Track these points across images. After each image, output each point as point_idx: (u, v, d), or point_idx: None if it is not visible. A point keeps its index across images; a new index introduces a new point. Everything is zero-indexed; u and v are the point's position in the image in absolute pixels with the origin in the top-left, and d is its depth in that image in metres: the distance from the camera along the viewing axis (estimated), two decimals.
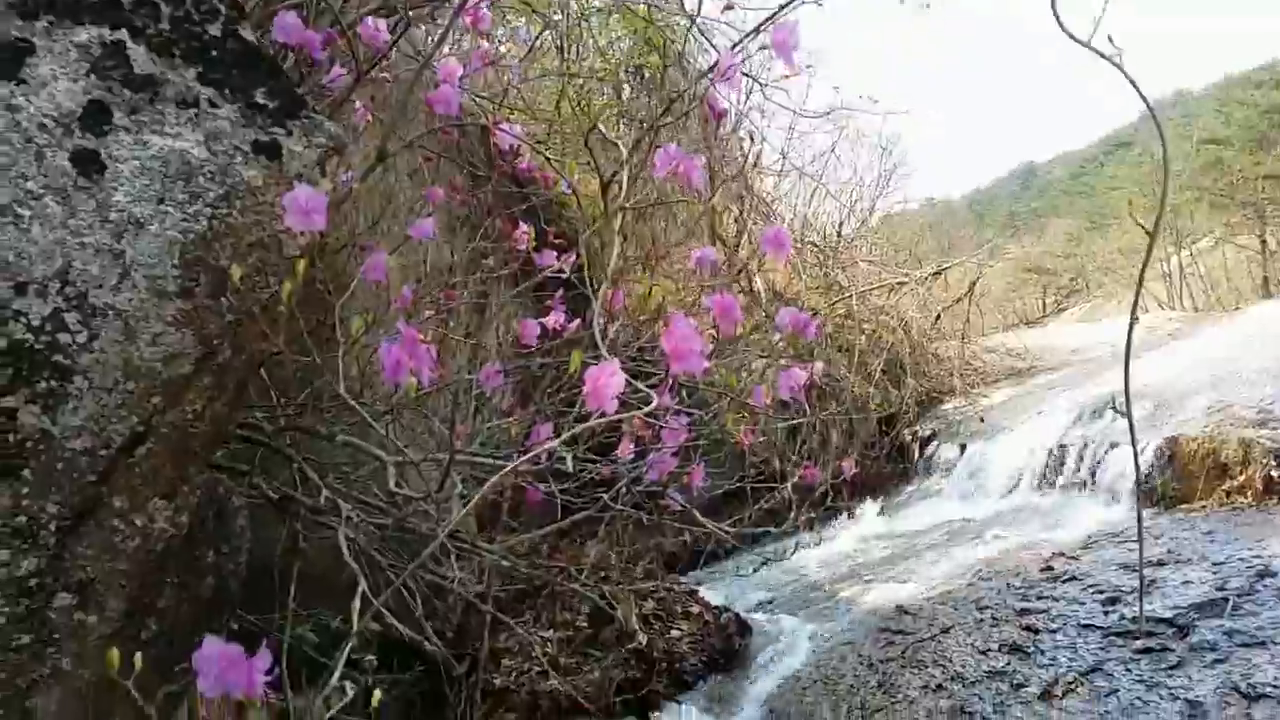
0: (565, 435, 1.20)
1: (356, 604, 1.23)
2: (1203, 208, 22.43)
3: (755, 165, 9.21)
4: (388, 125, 1.72)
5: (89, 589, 1.41)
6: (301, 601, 2.92)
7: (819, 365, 1.52)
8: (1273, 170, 21.83)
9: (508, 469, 1.20)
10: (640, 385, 1.24)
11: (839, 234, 11.00)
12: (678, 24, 8.13)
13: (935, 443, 9.45)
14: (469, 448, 1.64)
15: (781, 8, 3.38)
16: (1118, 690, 3.75)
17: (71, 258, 1.35)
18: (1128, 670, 3.87)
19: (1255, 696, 3.46)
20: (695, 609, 6.02)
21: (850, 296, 9.75)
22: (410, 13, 2.09)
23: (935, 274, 11.32)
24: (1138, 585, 4.51)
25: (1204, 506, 6.13)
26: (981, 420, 9.44)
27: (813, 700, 4.62)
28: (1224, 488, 6.20)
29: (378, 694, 1.23)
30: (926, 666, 4.50)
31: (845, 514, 8.81)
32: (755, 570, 7.87)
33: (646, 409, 1.17)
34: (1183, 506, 6.29)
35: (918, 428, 9.89)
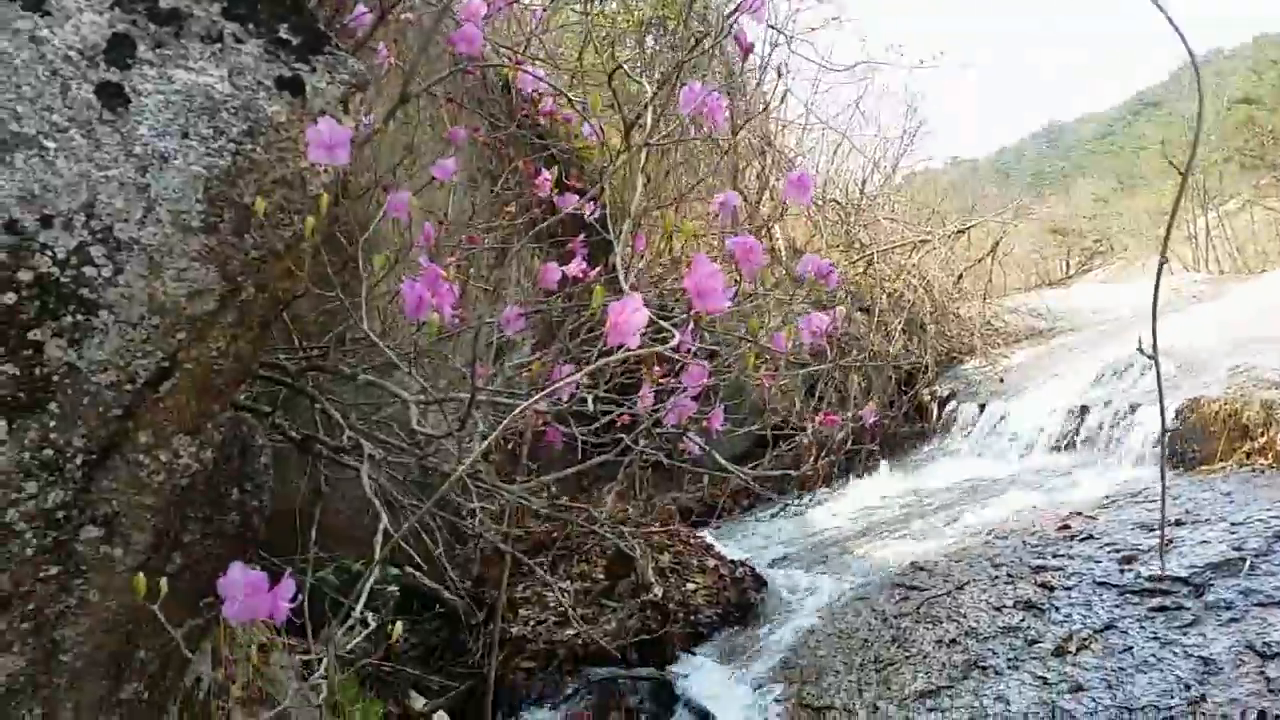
0: (587, 369, 1.20)
1: (379, 539, 1.24)
2: (1232, 169, 22.09)
3: (783, 100, 9.09)
4: (410, 64, 1.71)
5: (115, 522, 1.43)
6: (323, 550, 2.95)
7: (840, 310, 1.51)
8: None
9: (530, 402, 1.20)
10: (662, 323, 1.23)
11: (861, 191, 10.91)
12: None
13: (954, 402, 9.42)
14: (490, 388, 1.65)
15: None
16: (1132, 647, 3.76)
17: (97, 191, 1.35)
18: (1142, 628, 3.87)
19: (1270, 655, 3.46)
20: (711, 563, 6.07)
21: (872, 254, 9.68)
22: None
23: (959, 233, 11.22)
24: (1156, 541, 4.50)
25: (1224, 468, 6.10)
26: (1001, 380, 9.41)
27: (827, 653, 4.65)
28: (1244, 449, 6.17)
29: (399, 627, 1.24)
30: (941, 622, 4.52)
31: (862, 472, 8.83)
32: (772, 521, 7.91)
33: (668, 345, 1.16)
34: (1203, 468, 6.26)
35: (937, 387, 9.86)
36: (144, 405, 1.41)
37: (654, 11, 8.07)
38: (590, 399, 1.58)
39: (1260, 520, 4.61)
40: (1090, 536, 4.97)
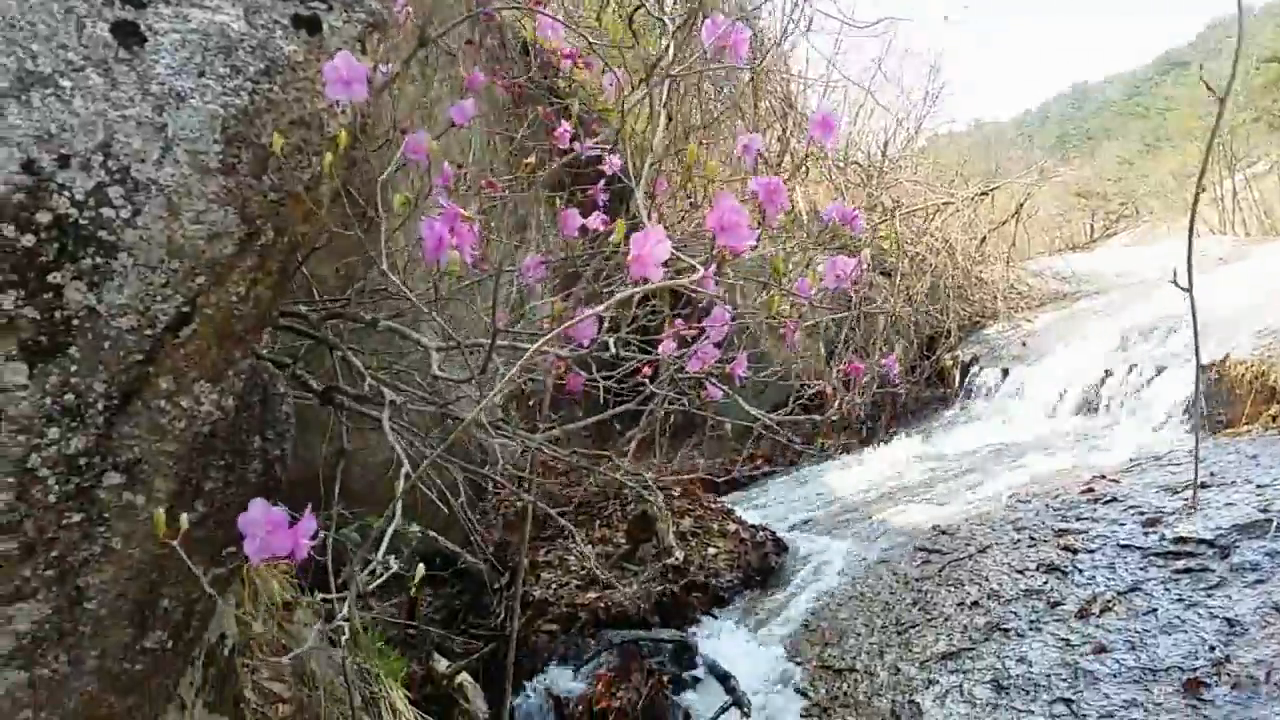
0: (612, 300, 1.17)
1: (400, 484, 1.22)
2: (1260, 129, 21.74)
3: (807, 28, 8.96)
4: (427, 11, 1.68)
5: (137, 469, 1.42)
6: (346, 509, 2.96)
7: (866, 253, 1.48)
8: None
9: (552, 333, 1.18)
10: (684, 257, 1.21)
11: (884, 153, 10.80)
12: None
13: (977, 367, 9.35)
14: (512, 330, 1.63)
15: None
16: (1156, 609, 3.74)
17: (114, 131, 1.34)
18: (1167, 590, 3.85)
19: None
20: (732, 527, 6.07)
21: (894, 217, 9.60)
22: None
23: (982, 194, 11.10)
24: (1181, 504, 4.47)
25: (1249, 430, 6.04)
26: (1025, 344, 9.33)
27: (848, 616, 4.65)
28: (1271, 412, 6.10)
29: (420, 568, 1.23)
30: (963, 584, 4.50)
31: (883, 438, 8.80)
32: (793, 488, 7.90)
33: (692, 279, 1.14)
34: (1228, 430, 6.20)
35: (959, 352, 9.79)
36: (164, 350, 1.40)
37: None
38: (611, 342, 1.56)
39: None
40: (1114, 499, 4.93)
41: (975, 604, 4.25)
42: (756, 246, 1.34)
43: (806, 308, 1.64)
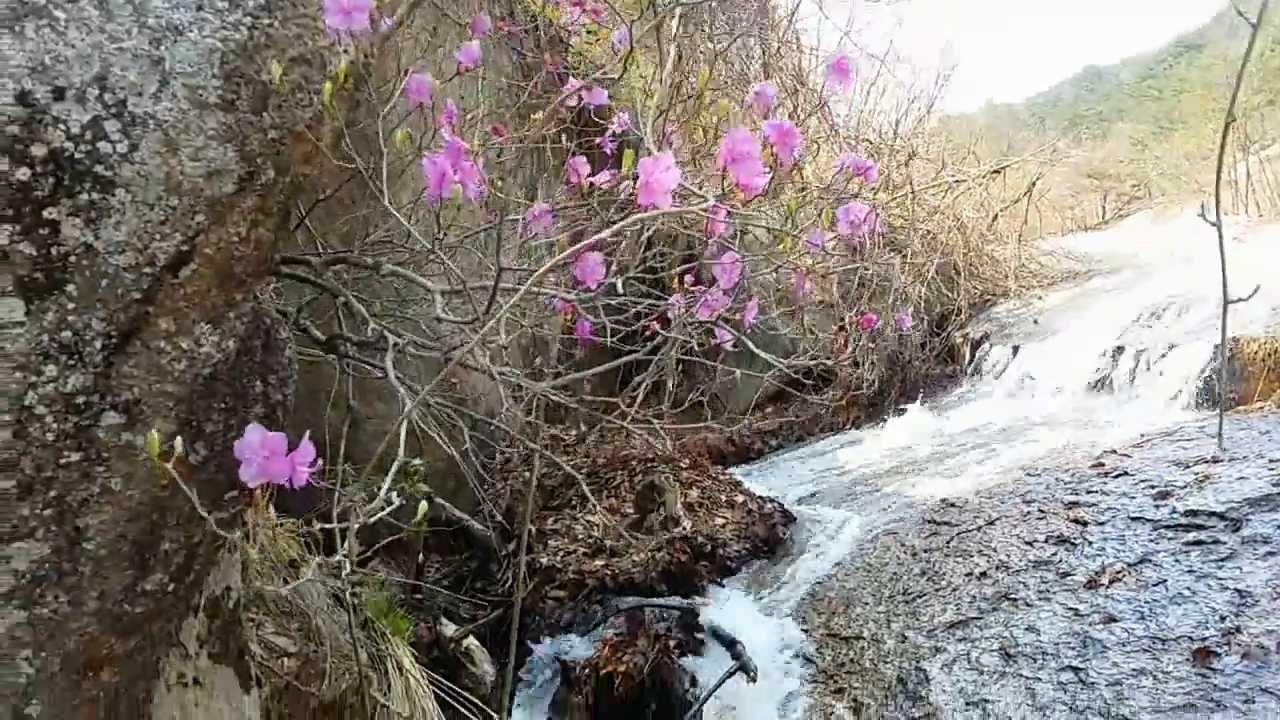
0: (620, 224, 1.15)
1: (402, 427, 1.21)
2: (1275, 112, 21.53)
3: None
4: None
5: (136, 410, 1.41)
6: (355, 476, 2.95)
7: (882, 198, 1.46)
8: None
9: (555, 261, 1.16)
10: (694, 189, 1.18)
11: (895, 132, 10.72)
12: None
13: (987, 344, 9.31)
14: (519, 269, 1.61)
15: None
16: (1166, 580, 3.72)
17: (110, 63, 1.32)
18: (1177, 561, 3.82)
19: None
20: (739, 498, 6.07)
21: (906, 195, 9.53)
22: None
23: (994, 172, 11.03)
24: (1193, 477, 4.44)
25: (1262, 407, 5.99)
26: (1036, 322, 9.29)
27: (855, 586, 4.65)
28: None
29: (423, 506, 1.22)
30: (971, 556, 4.49)
31: (892, 413, 8.78)
32: (801, 462, 7.89)
33: (701, 205, 1.12)
34: (1241, 407, 6.16)
35: (969, 330, 9.75)
36: (163, 290, 1.39)
37: None
38: (620, 284, 1.54)
39: None
40: (1125, 473, 4.90)
41: (983, 574, 4.24)
42: (768, 193, 1.32)
43: (820, 256, 1.61)
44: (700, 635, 4.42)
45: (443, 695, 3.23)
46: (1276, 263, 8.53)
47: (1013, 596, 3.98)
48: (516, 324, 1.95)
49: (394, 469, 1.18)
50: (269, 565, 2.77)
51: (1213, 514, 4.06)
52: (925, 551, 4.72)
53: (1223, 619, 3.37)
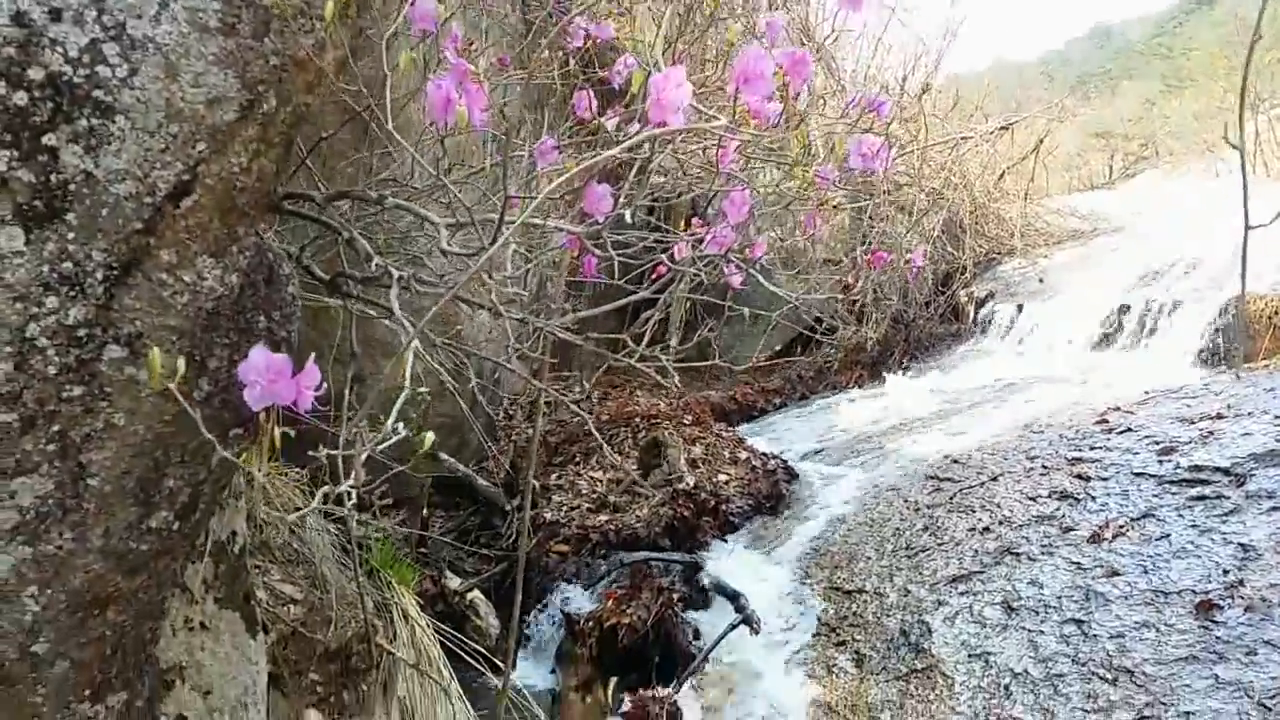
0: (629, 141, 1.12)
1: (409, 356, 1.19)
2: None
3: None
4: None
5: (139, 343, 1.39)
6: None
7: (894, 129, 1.43)
8: None
9: (563, 177, 1.13)
10: (705, 109, 1.16)
11: (902, 88, 10.59)
12: None
13: (992, 303, 9.27)
14: (525, 195, 1.58)
15: None
16: (1169, 534, 3.71)
17: None
18: (1180, 516, 3.82)
19: None
20: (743, 455, 6.07)
21: (912, 152, 9.44)
22: None
23: (1001, 129, 10.92)
24: (1197, 433, 4.43)
25: (1267, 365, 5.97)
26: (1041, 280, 9.24)
27: (857, 540, 4.65)
28: None
29: (430, 436, 1.20)
30: (974, 511, 4.49)
31: (896, 371, 8.76)
32: (805, 420, 7.88)
33: (712, 125, 1.09)
34: (1245, 365, 6.13)
35: (974, 288, 9.70)
36: (164, 221, 1.36)
37: None
38: (629, 214, 1.51)
39: None
40: (1129, 429, 4.89)
41: (986, 529, 4.24)
42: (778, 125, 1.29)
43: (830, 190, 1.58)
44: (704, 589, 4.43)
45: (448, 645, 3.24)
46: None
47: (1015, 551, 3.98)
48: (522, 256, 1.93)
49: (400, 400, 1.16)
50: (274, 514, 2.77)
51: (1217, 469, 4.05)
52: (928, 507, 4.72)
53: (1226, 573, 3.37)
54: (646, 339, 1.74)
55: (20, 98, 1.23)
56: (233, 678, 2.13)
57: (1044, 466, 4.74)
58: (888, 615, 3.88)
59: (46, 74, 1.24)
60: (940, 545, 4.28)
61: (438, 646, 3.01)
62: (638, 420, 6.50)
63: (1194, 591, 3.34)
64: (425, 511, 5.24)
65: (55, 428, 1.37)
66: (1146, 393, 5.68)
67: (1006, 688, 3.22)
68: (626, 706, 3.69)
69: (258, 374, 1.10)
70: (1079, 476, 4.46)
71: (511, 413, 6.81)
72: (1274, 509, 3.70)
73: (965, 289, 9.66)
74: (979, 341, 9.04)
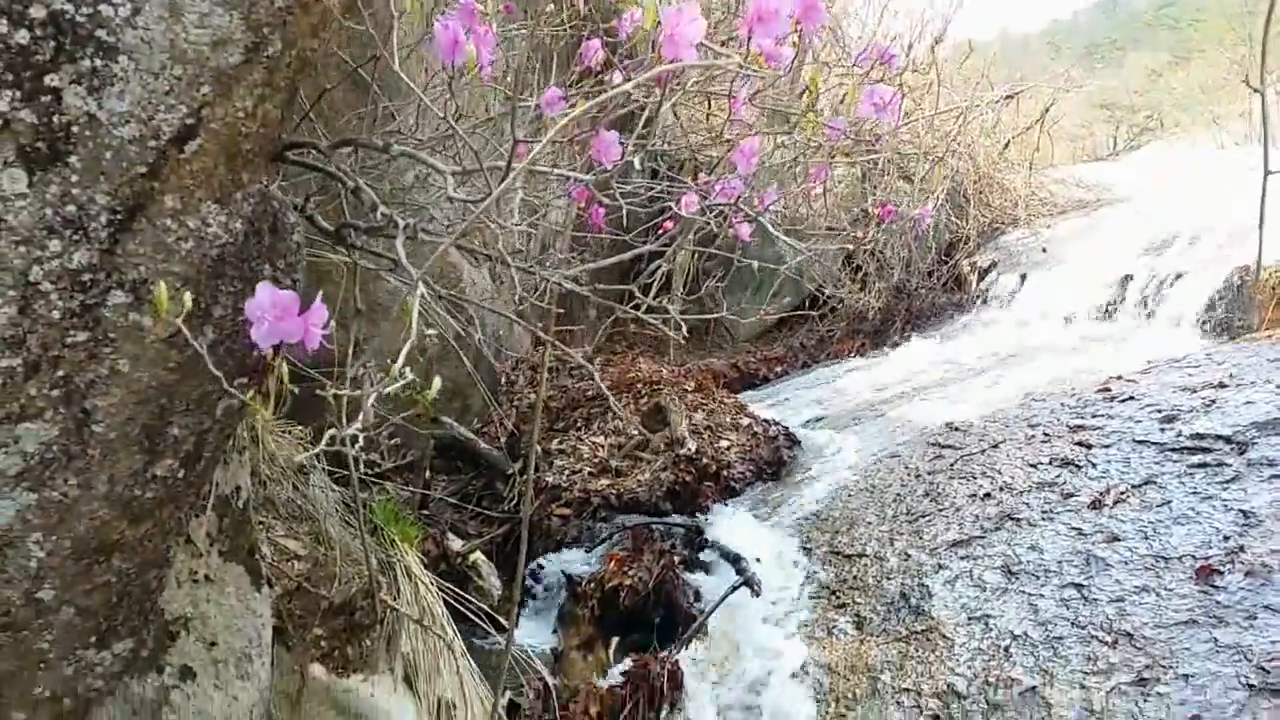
0: (642, 78, 1.11)
1: (415, 303, 1.18)
2: None
3: None
4: None
5: (143, 290, 1.38)
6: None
7: (906, 76, 1.41)
8: None
9: (575, 113, 1.12)
10: (717, 48, 1.14)
11: (907, 55, 10.52)
12: None
13: (995, 272, 9.24)
14: (531, 139, 1.56)
15: None
16: (1170, 501, 3.72)
17: None
18: (1182, 483, 3.82)
19: None
20: (745, 421, 6.07)
21: (916, 121, 9.38)
22: None
23: (1006, 98, 10.85)
24: (1200, 402, 4.43)
25: (1270, 335, 5.96)
26: (1044, 250, 9.20)
27: (858, 506, 4.66)
28: None
29: (437, 382, 1.20)
30: (975, 478, 4.50)
31: (898, 340, 8.75)
32: (807, 389, 7.88)
33: (726, 62, 1.08)
34: (1249, 335, 6.12)
35: (977, 258, 9.66)
36: (169, 165, 1.35)
37: None
38: (637, 160, 1.49)
39: None
40: (1131, 398, 4.88)
41: (987, 495, 4.25)
42: (789, 70, 1.28)
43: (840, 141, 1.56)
44: (705, 552, 4.45)
45: (451, 603, 3.26)
46: None
47: (1016, 517, 3.99)
48: (529, 206, 1.92)
49: (406, 345, 1.15)
50: (278, 470, 2.77)
51: (1219, 437, 4.05)
52: (929, 474, 4.73)
53: (1226, 539, 3.38)
54: (654, 290, 1.72)
55: (22, 36, 1.22)
56: (237, 629, 2.14)
57: (1045, 434, 4.74)
58: (888, 579, 3.89)
59: (49, 12, 1.23)
60: (941, 511, 4.28)
61: (441, 604, 3.03)
62: (640, 386, 6.50)
63: (1194, 557, 3.35)
64: (428, 475, 5.25)
65: (59, 373, 1.37)
66: (1149, 362, 5.67)
67: (1006, 649, 3.24)
68: (628, 665, 3.71)
69: (264, 311, 1.09)
70: (1080, 444, 4.46)
71: (514, 377, 6.82)
72: (1275, 476, 3.70)
73: (968, 259, 9.62)
74: (981, 311, 9.01)
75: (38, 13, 1.22)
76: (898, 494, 4.64)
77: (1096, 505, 3.85)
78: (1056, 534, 3.76)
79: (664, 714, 3.61)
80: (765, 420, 6.09)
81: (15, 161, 1.25)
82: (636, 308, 1.71)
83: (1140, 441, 4.28)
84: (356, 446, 1.08)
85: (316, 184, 1.97)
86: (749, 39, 1.11)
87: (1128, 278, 7.65)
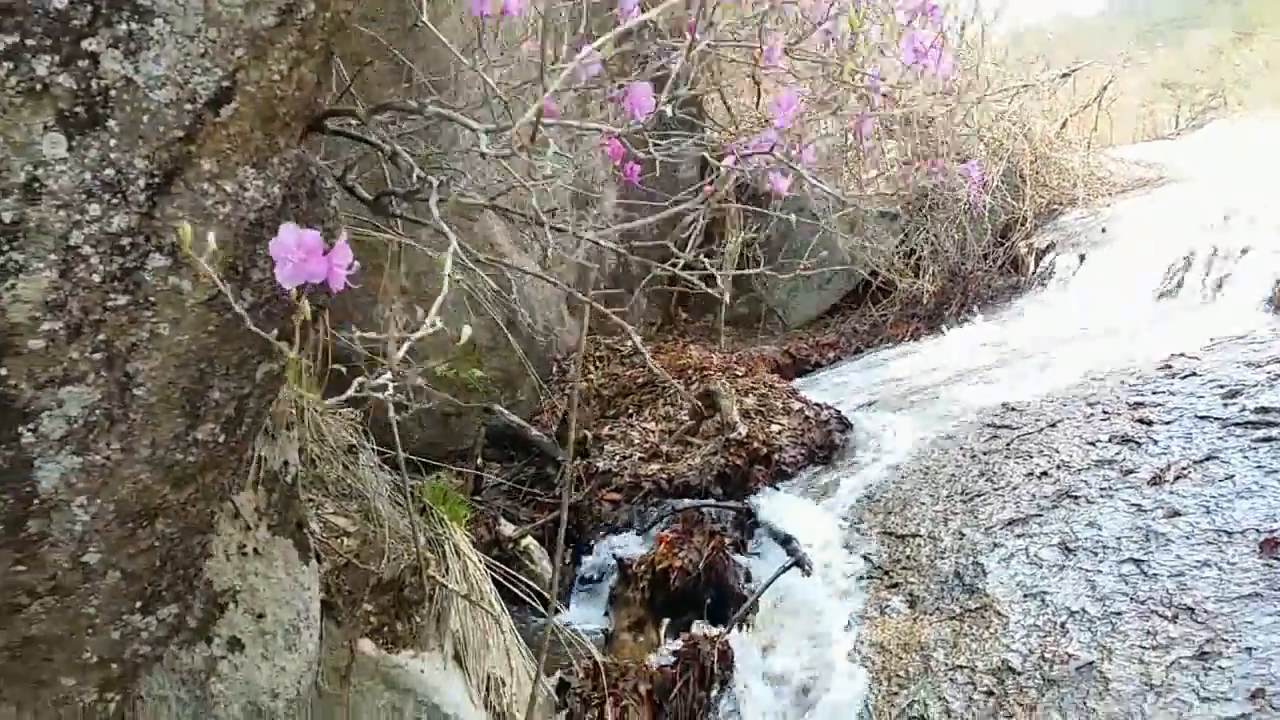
0: (663, 6, 1.10)
1: (448, 260, 1.18)
2: None
3: None
4: None
5: (182, 253, 1.40)
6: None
7: (949, 20, 1.38)
8: None
9: (598, 42, 1.11)
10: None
11: (961, 35, 10.35)
12: None
13: (1053, 253, 9.06)
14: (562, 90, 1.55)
15: None
16: (1233, 476, 3.63)
17: None
18: (1245, 458, 3.73)
19: None
20: (796, 405, 6.03)
21: (971, 102, 9.22)
22: None
23: (1063, 76, 10.62)
24: (1264, 376, 4.31)
25: None
26: (1104, 230, 9.00)
27: (911, 488, 4.60)
28: None
29: (467, 330, 1.20)
30: (1032, 457, 4.42)
31: (953, 323, 8.63)
32: (860, 373, 7.81)
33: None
34: None
35: (1035, 239, 9.48)
36: (205, 129, 1.37)
37: None
38: (670, 109, 1.48)
39: None
40: (1193, 374, 4.77)
41: (1044, 474, 4.18)
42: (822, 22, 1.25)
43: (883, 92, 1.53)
44: (755, 534, 4.43)
45: (501, 584, 3.28)
46: None
47: (1074, 494, 3.92)
48: (564, 158, 1.92)
49: (439, 298, 1.15)
50: (328, 450, 2.81)
51: None
52: (984, 454, 4.66)
53: None
54: (692, 247, 1.70)
55: (59, 1, 1.24)
56: (286, 602, 2.16)
57: (1104, 412, 4.65)
58: (941, 558, 3.84)
59: None
60: (996, 490, 4.22)
61: (490, 582, 3.05)
62: (690, 372, 6.49)
63: (1258, 530, 3.26)
64: (479, 462, 5.29)
65: (101, 336, 1.39)
66: (1212, 339, 5.53)
67: (1063, 625, 3.18)
68: (678, 645, 3.71)
69: (288, 251, 1.09)
70: (1141, 421, 4.37)
71: (565, 366, 6.84)
72: None
73: (1025, 240, 9.44)
74: (1039, 293, 8.84)
75: None
76: (952, 474, 4.57)
77: (1157, 481, 3.76)
78: (1115, 510, 3.69)
79: (714, 692, 3.60)
80: (817, 404, 6.03)
81: (55, 126, 1.27)
82: (676, 265, 1.70)
83: (1202, 417, 4.18)
84: (389, 393, 1.08)
85: (355, 157, 1.98)
86: None
87: (1190, 256, 7.46)
